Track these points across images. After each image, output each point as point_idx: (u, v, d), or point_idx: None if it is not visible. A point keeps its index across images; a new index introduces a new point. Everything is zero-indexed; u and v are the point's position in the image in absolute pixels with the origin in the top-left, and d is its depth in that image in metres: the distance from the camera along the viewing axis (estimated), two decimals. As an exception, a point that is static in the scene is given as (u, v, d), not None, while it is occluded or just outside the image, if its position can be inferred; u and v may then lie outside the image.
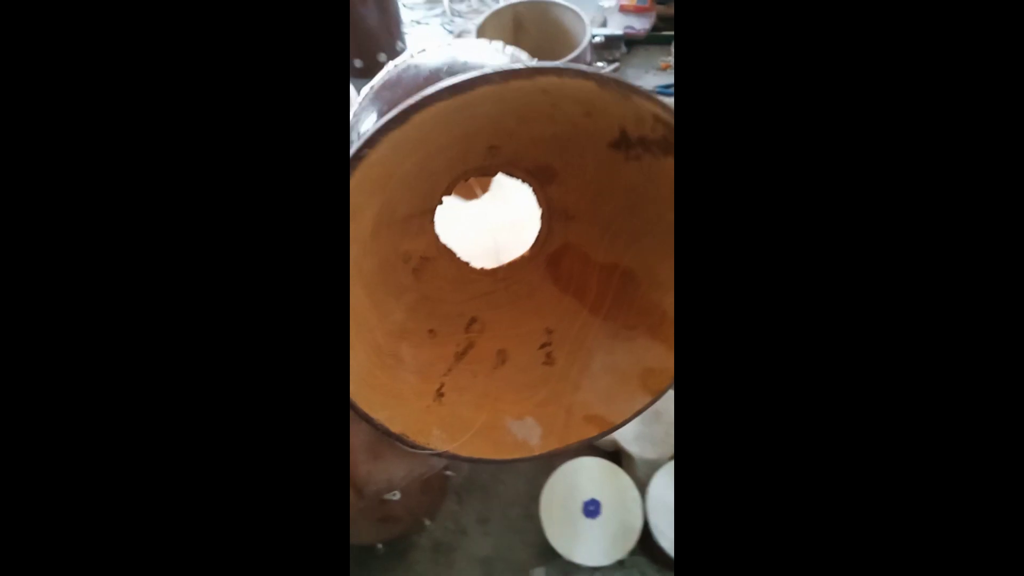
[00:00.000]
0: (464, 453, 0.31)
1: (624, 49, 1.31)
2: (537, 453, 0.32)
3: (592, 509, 0.75)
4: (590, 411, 0.34)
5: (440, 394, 0.33)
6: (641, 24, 1.30)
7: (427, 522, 0.80)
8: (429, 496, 0.78)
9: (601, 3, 1.36)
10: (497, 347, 0.36)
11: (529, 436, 0.33)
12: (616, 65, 1.28)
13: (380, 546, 0.78)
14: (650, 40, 1.32)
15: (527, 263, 0.38)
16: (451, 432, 0.31)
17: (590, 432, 0.33)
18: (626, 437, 0.78)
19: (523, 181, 0.36)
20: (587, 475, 0.78)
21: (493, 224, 0.39)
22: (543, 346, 0.37)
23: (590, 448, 0.82)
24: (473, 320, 0.37)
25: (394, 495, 0.71)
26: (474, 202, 0.44)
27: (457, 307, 0.36)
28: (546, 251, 0.38)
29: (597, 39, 1.28)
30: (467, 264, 0.38)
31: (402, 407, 0.29)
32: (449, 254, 0.37)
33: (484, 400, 0.34)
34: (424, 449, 0.28)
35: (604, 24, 1.32)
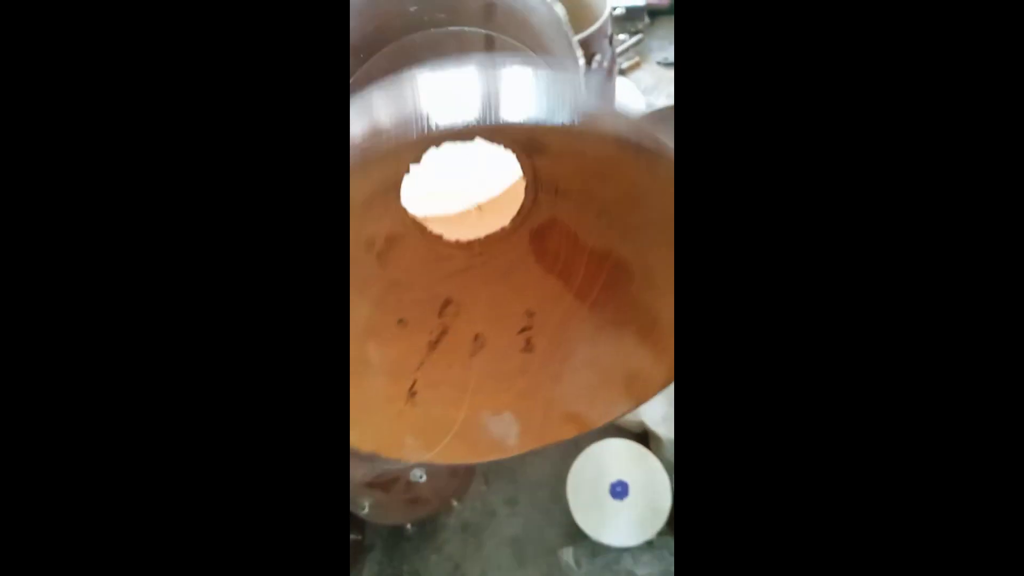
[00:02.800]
0: (439, 460, 0.29)
1: (647, 20, 1.26)
2: (512, 454, 0.30)
3: (620, 490, 0.74)
4: (569, 408, 0.31)
5: (412, 393, 0.30)
6: (664, -7, 1.26)
7: (455, 503, 0.81)
8: (457, 478, 0.78)
9: (623, -27, 1.31)
10: (474, 331, 0.33)
11: (506, 434, 0.31)
12: (639, 36, 1.24)
13: (409, 527, 0.80)
14: (673, 10, 1.27)
15: (508, 236, 0.35)
16: (426, 438, 0.29)
17: (568, 432, 0.30)
18: (654, 418, 0.77)
19: (507, 148, 0.33)
20: (614, 456, 0.77)
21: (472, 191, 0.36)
22: (523, 330, 0.34)
23: (616, 429, 0.81)
24: (447, 302, 0.34)
25: (420, 477, 0.72)
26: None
27: (429, 290, 0.34)
28: (530, 224, 0.34)
29: (618, 11, 1.23)
30: (440, 237, 0.34)
31: (371, 419, 0.27)
32: (419, 228, 0.34)
33: (461, 393, 0.32)
34: (397, 464, 0.27)
35: (626, -5, 1.28)
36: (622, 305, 0.32)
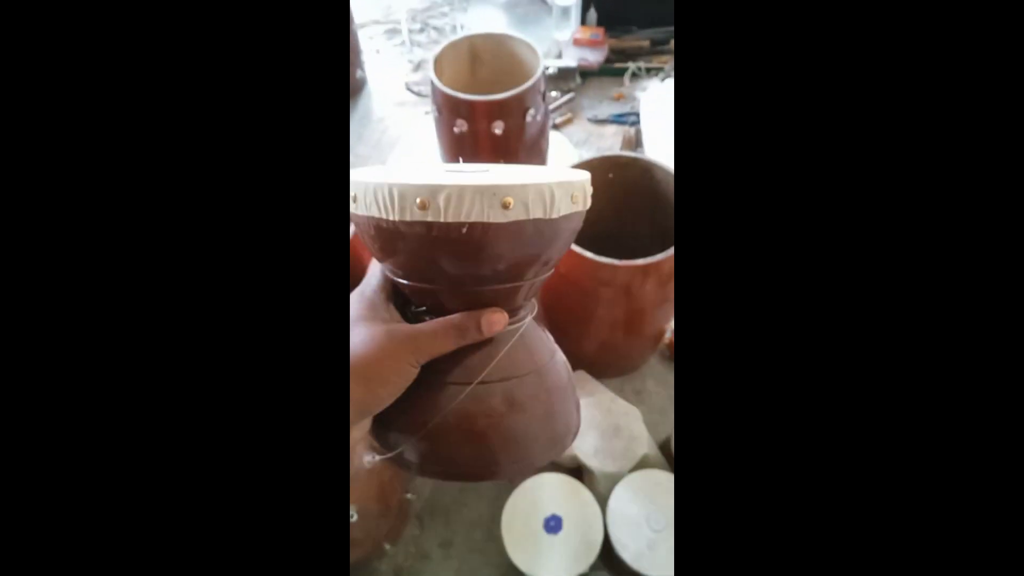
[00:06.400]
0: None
1: (579, 80, 1.36)
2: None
3: (553, 525, 0.75)
4: None
5: None
6: (594, 57, 1.36)
7: (388, 547, 0.78)
8: (388, 520, 0.77)
9: (556, 36, 1.42)
10: None
11: None
12: (571, 95, 1.33)
13: (339, 574, 0.76)
14: (603, 72, 1.38)
15: None
16: None
17: None
18: (586, 452, 0.79)
19: None
20: (548, 491, 0.78)
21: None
22: None
23: (551, 464, 0.83)
24: None
25: (351, 516, 0.70)
26: None
27: None
28: None
29: (551, 70, 1.33)
30: None
31: None
32: None
33: None
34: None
35: (559, 56, 1.38)
36: None
